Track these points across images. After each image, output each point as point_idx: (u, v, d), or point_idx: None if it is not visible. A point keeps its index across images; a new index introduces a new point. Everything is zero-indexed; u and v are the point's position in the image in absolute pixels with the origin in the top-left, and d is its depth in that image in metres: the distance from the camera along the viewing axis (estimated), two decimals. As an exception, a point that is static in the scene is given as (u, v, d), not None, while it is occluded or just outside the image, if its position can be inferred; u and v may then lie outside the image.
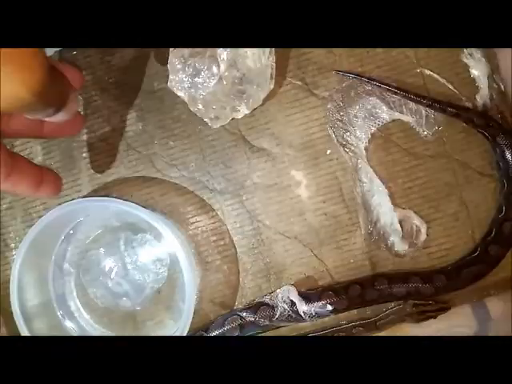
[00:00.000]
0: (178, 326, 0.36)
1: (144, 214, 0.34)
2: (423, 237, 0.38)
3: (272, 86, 0.38)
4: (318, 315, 0.37)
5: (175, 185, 0.40)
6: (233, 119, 0.38)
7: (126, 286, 0.39)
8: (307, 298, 0.37)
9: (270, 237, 0.40)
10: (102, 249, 0.39)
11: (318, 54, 0.40)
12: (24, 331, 0.35)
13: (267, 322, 0.37)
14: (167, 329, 0.39)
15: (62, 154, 0.41)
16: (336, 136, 0.40)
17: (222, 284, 0.40)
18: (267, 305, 0.37)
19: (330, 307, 0.37)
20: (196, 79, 0.35)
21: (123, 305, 0.39)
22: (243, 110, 0.37)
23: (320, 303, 0.37)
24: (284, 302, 0.37)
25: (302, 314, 0.36)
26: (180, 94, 0.36)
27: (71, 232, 0.40)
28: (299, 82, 0.40)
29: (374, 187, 0.39)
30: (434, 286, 0.37)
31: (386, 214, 0.39)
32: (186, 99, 0.36)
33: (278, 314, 0.36)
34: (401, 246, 0.39)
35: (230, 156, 0.40)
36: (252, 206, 0.40)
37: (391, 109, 0.39)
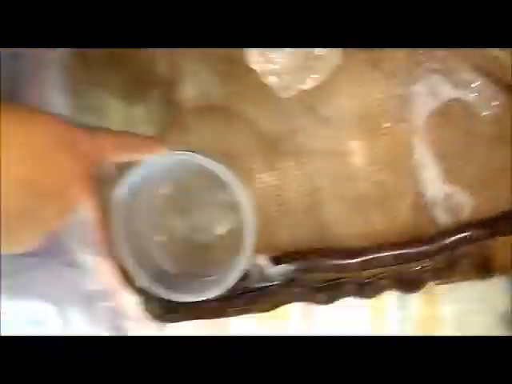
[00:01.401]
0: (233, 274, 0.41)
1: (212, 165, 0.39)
2: (466, 214, 0.41)
3: (339, 61, 0.41)
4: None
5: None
6: (300, 90, 0.41)
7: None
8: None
9: (323, 198, 0.44)
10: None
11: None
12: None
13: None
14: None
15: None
16: (395, 111, 0.42)
17: (274, 236, 0.45)
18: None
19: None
20: (269, 53, 0.39)
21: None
22: (310, 82, 0.41)
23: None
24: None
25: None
26: (254, 66, 0.40)
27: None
28: (366, 56, 0.42)
29: (426, 162, 0.42)
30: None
31: (435, 187, 0.42)
32: (259, 71, 0.40)
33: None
34: (444, 220, 0.42)
35: (295, 123, 0.44)
36: (310, 169, 0.44)
37: (455, 87, 0.41)
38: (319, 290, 0.43)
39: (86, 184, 0.28)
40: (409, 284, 0.43)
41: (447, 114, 0.41)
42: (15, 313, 0.42)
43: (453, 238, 0.40)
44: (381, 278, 0.43)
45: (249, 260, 0.41)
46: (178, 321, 0.44)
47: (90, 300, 0.48)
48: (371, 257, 0.42)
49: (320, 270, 0.42)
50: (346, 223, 0.44)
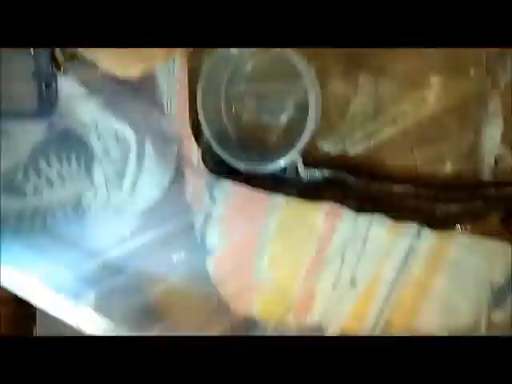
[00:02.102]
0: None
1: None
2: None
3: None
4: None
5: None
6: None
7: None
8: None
9: (384, 120, 0.47)
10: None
11: None
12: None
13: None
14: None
15: None
16: (487, 61, 0.42)
17: (330, 138, 0.50)
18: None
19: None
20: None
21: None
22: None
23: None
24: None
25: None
26: None
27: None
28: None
29: (493, 120, 0.43)
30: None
31: (491, 146, 0.43)
32: None
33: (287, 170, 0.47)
34: (487, 178, 0.44)
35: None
36: (383, 90, 0.46)
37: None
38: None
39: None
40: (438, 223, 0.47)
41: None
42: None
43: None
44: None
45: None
46: (221, 177, 0.52)
47: (164, 139, 0.57)
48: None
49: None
50: (398, 148, 0.47)
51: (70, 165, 0.48)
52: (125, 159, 0.52)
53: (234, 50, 0.46)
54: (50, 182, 0.46)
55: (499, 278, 0.44)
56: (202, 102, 0.48)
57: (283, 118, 0.51)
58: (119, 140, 0.51)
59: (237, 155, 0.50)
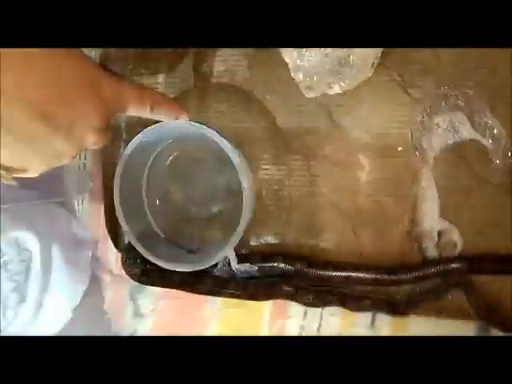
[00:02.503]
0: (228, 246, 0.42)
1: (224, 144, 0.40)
2: (456, 253, 0.42)
3: (370, 74, 0.41)
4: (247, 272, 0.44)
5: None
6: (324, 94, 0.42)
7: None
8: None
9: (321, 203, 0.45)
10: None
11: (423, 55, 0.41)
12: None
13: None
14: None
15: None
16: (412, 137, 0.42)
17: (267, 225, 0.46)
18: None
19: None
20: (304, 51, 0.40)
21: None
22: (336, 89, 0.41)
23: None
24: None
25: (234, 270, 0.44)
26: (287, 59, 0.40)
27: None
28: (397, 78, 0.42)
29: (428, 194, 0.42)
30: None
31: (430, 221, 0.42)
32: (290, 65, 0.41)
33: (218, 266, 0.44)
34: (432, 254, 0.42)
35: (312, 124, 0.44)
36: (316, 173, 0.45)
37: (474, 128, 0.41)
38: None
39: (101, 129, 0.28)
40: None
41: (461, 152, 0.41)
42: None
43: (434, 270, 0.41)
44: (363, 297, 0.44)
45: (235, 244, 0.41)
46: (149, 284, 0.45)
47: (74, 244, 0.49)
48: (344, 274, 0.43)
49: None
50: (336, 233, 0.45)
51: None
52: (27, 273, 0.43)
53: (149, 137, 0.41)
54: None
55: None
56: (120, 197, 0.42)
57: (213, 209, 0.47)
58: (20, 249, 0.43)
59: (165, 255, 0.43)
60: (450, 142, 0.42)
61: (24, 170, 0.27)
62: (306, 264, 0.44)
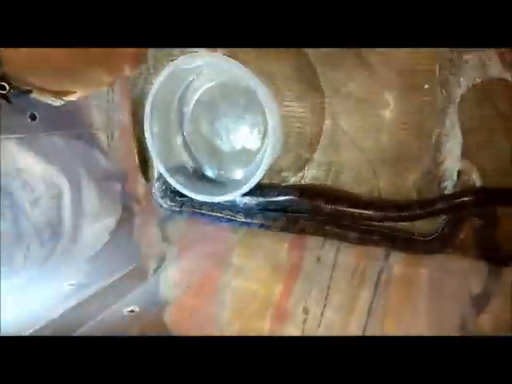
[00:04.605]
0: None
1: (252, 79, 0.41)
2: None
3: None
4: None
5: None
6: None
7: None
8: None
9: (341, 140, 0.45)
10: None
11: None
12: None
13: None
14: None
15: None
16: (440, 74, 0.42)
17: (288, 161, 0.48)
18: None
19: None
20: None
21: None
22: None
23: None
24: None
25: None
26: None
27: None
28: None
29: (452, 133, 0.42)
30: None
31: (452, 160, 0.43)
32: None
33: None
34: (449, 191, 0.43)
35: (339, 60, 0.44)
36: (337, 109, 0.45)
37: (504, 68, 0.40)
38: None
39: (136, 56, 0.32)
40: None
41: (488, 91, 0.41)
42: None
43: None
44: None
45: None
46: (179, 213, 0.48)
47: (104, 177, 0.51)
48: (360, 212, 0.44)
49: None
50: (357, 171, 0.46)
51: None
52: (58, 207, 0.45)
53: (186, 65, 0.42)
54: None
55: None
56: (151, 129, 0.43)
57: (239, 144, 0.48)
58: (49, 186, 0.45)
59: (193, 187, 0.45)
60: (478, 80, 0.41)
61: (70, 94, 0.31)
62: (324, 200, 0.46)
